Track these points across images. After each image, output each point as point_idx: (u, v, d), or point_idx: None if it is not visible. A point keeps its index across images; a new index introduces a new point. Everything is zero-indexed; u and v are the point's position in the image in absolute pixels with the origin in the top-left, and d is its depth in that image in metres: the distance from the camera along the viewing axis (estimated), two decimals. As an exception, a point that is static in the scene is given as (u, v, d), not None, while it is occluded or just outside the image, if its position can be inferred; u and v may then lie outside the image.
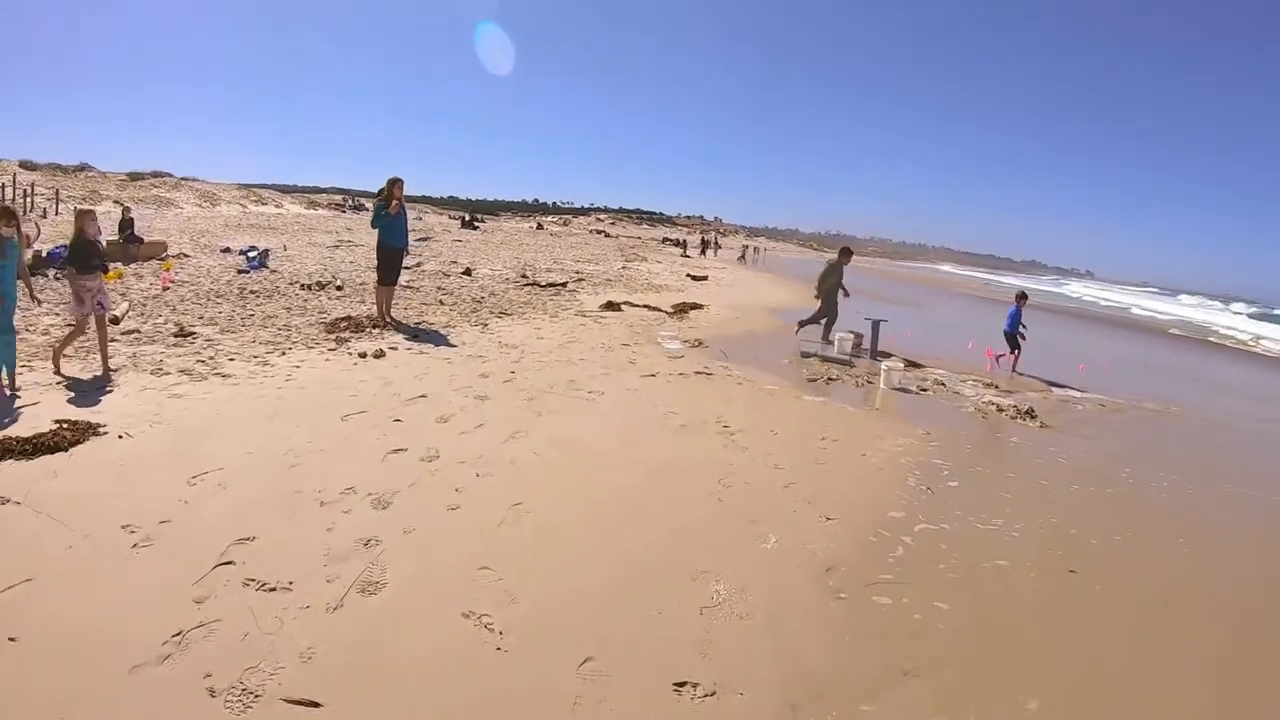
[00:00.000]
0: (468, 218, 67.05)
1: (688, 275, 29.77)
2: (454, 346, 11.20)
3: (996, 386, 12.41)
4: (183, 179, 62.25)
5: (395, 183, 12.79)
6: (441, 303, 15.59)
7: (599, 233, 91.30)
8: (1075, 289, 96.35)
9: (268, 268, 18.57)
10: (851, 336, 14.31)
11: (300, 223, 40.89)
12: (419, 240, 34.34)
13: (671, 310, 17.95)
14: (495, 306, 15.85)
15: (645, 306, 18.09)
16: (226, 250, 22.22)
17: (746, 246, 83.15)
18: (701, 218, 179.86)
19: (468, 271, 21.86)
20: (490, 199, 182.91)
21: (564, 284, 21.35)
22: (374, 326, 11.98)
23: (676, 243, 68.86)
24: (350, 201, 79.78)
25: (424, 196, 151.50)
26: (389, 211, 12.63)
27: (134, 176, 57.75)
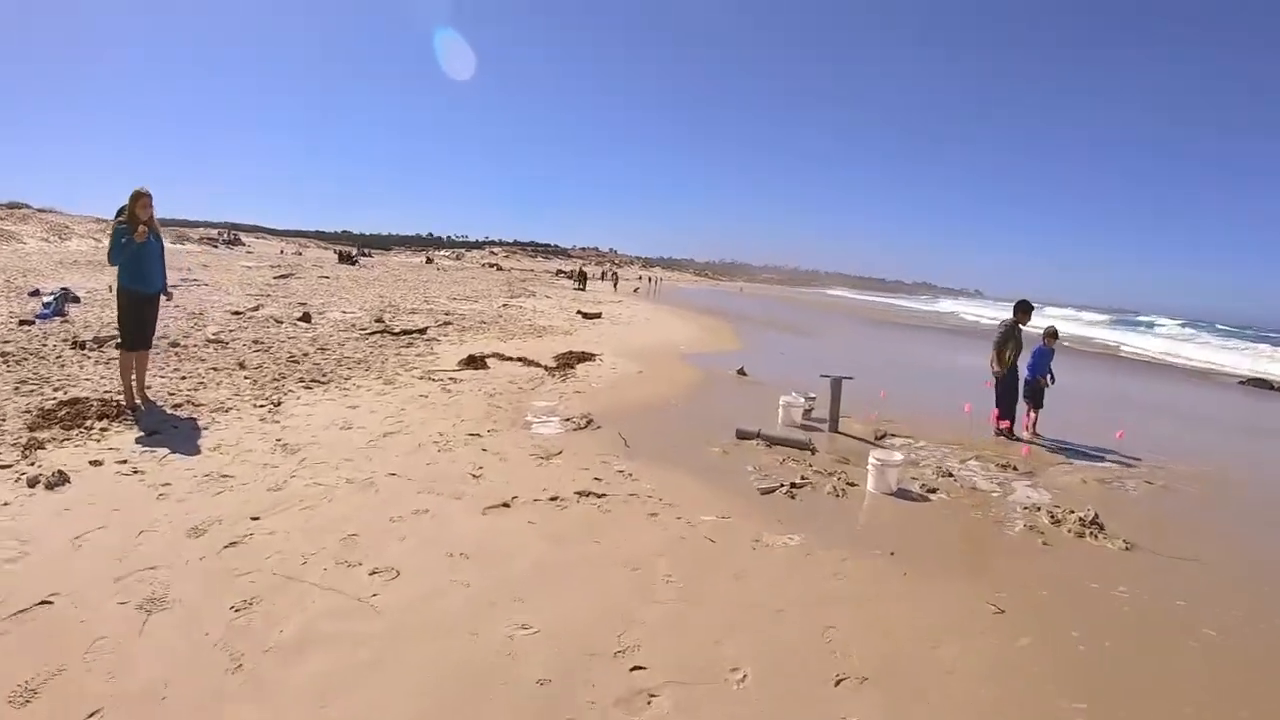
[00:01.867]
0: (349, 252, 61.12)
1: (578, 313, 25.48)
2: (198, 455, 6.73)
3: (1014, 468, 8.79)
4: (38, 210, 55.07)
5: (138, 197, 8.29)
6: (242, 366, 11.14)
7: (492, 266, 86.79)
8: (969, 308, 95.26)
9: (63, 315, 14.60)
10: (802, 402, 10.30)
11: None
12: (278, 278, 29.25)
13: (554, 364, 13.78)
14: (314, 369, 11.47)
15: (520, 360, 13.83)
16: (36, 293, 17.93)
17: (642, 277, 79.91)
18: (596, 249, 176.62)
19: (306, 318, 17.06)
20: (385, 233, 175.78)
21: (423, 330, 16.83)
22: (108, 416, 7.62)
23: (570, 274, 64.36)
24: (224, 235, 73.06)
25: (317, 231, 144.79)
26: (132, 238, 8.10)
27: (-2, 205, 50.82)
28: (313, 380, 10.55)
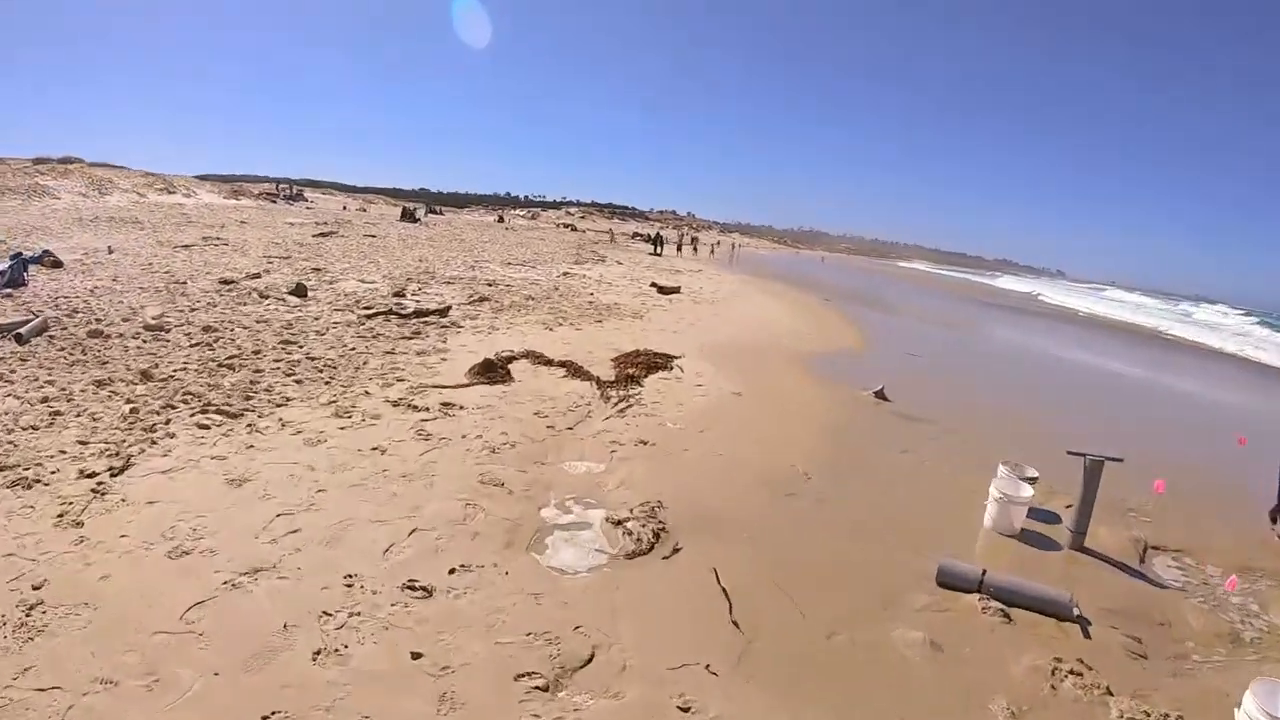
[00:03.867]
0: (412, 209, 57.43)
1: (652, 285, 21.03)
2: None
3: None
4: (90, 165, 52.59)
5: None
6: (146, 377, 7.47)
7: (567, 226, 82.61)
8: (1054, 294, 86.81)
9: (18, 285, 11.33)
10: (1026, 494, 5.93)
11: (192, 215, 31.67)
12: (317, 236, 25.50)
13: (611, 374, 9.54)
14: (244, 384, 7.61)
15: (564, 366, 9.62)
16: (16, 256, 14.02)
17: (720, 242, 74.90)
18: (674, 212, 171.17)
19: (300, 290, 12.95)
20: (463, 193, 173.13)
21: (444, 310, 12.55)
22: None
23: (649, 239, 59.69)
24: (285, 190, 69.93)
25: (394, 189, 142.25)
26: None
27: (38, 162, 48.16)
28: (223, 409, 6.55)
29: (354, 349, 9.39)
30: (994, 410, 10.93)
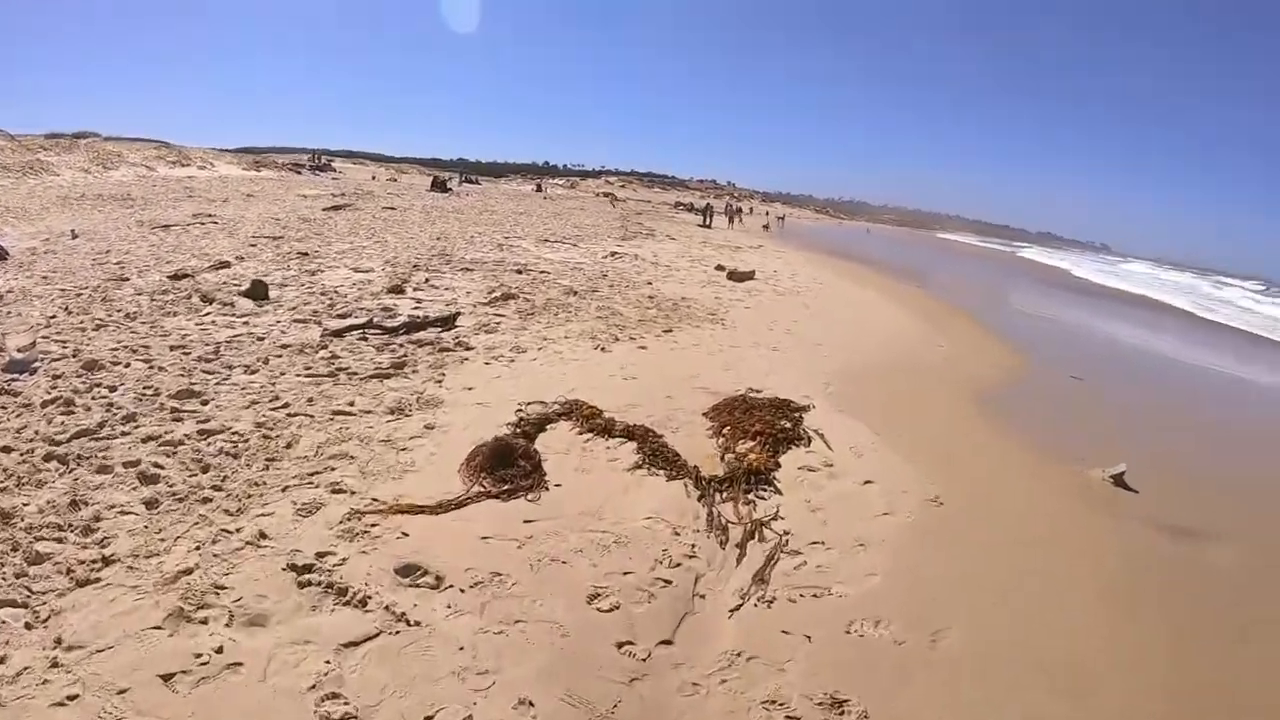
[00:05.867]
0: (443, 179, 53.51)
1: (718, 268, 16.94)
2: None
3: None
4: (105, 139, 48.84)
5: None
6: None
7: (606, 195, 78.52)
8: (1137, 267, 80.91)
9: None
10: None
11: (196, 189, 28.01)
12: (328, 209, 22.01)
13: (710, 444, 5.92)
14: (39, 529, 3.97)
15: (631, 435, 5.81)
16: None
17: (769, 214, 70.59)
18: (714, 181, 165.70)
19: (257, 291, 9.18)
20: (501, 161, 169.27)
21: (449, 320, 8.76)
22: None
23: (692, 208, 55.40)
24: (313, 161, 66.35)
25: (433, 159, 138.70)
26: None
27: (50, 137, 44.77)
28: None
29: (288, 405, 5.64)
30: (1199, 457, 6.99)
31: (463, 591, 3.61)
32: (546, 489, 4.76)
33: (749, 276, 15.89)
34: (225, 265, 10.87)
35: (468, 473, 4.81)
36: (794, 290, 15.36)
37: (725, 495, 4.96)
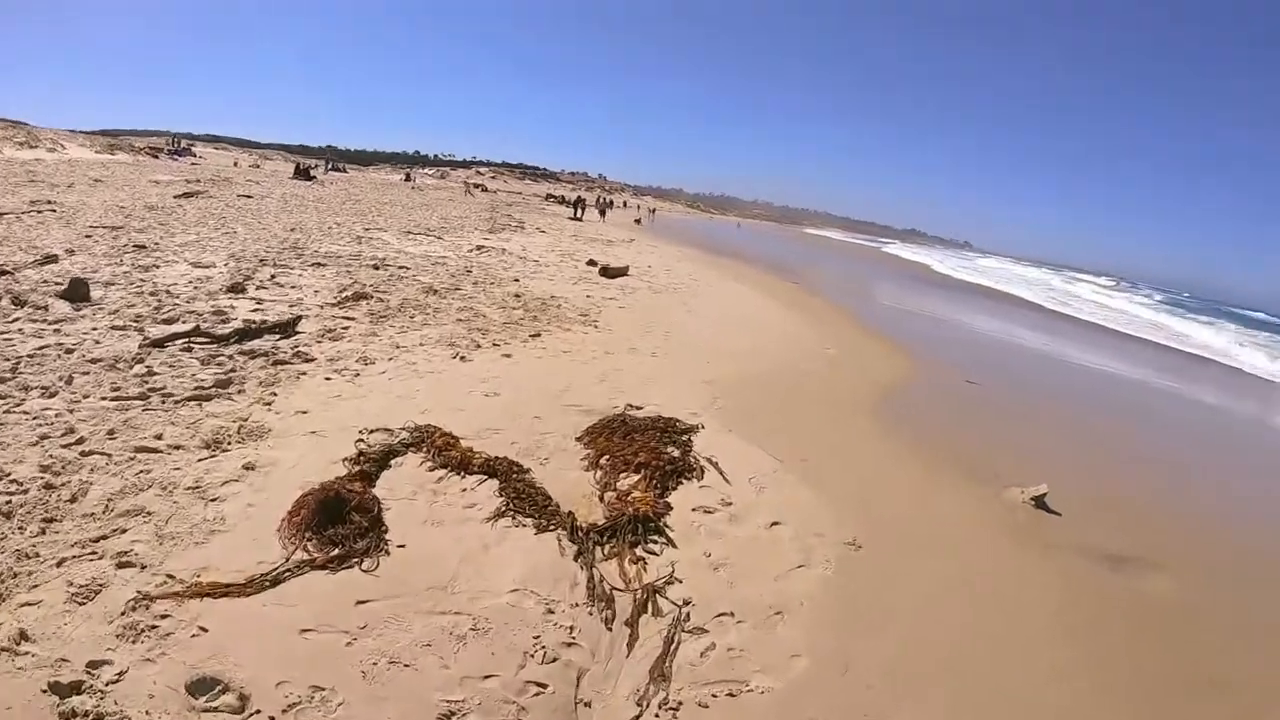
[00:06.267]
0: (307, 166, 50.31)
1: (590, 263, 15.98)
2: None
3: None
4: None
5: None
6: None
7: (477, 186, 76.38)
8: (992, 263, 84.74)
9: None
10: None
11: (41, 173, 24.43)
12: (179, 197, 19.81)
13: (588, 482, 4.96)
14: None
15: (490, 471, 4.81)
16: None
17: (641, 207, 70.32)
18: (586, 174, 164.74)
19: (75, 292, 7.66)
20: (371, 150, 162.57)
21: (288, 325, 7.52)
22: None
23: (563, 201, 54.22)
24: (171, 145, 61.69)
25: (301, 146, 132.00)
26: None
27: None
28: None
29: (83, 441, 4.37)
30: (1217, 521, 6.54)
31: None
32: (387, 552, 3.71)
33: (623, 272, 14.98)
34: (52, 260, 9.17)
35: (290, 531, 3.71)
36: (671, 287, 14.55)
37: (608, 551, 4.01)
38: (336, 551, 3.60)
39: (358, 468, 4.49)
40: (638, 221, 48.06)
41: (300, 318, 7.85)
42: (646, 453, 5.04)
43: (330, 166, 64.36)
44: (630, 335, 9.36)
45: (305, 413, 5.34)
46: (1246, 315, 62.73)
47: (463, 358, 7.34)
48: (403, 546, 3.78)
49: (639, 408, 6.20)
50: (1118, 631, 4.06)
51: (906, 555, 4.45)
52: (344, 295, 9.40)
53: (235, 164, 53.54)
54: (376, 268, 11.75)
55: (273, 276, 9.95)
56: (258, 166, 55.27)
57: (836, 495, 5.08)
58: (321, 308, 8.63)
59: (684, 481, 4.88)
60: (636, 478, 4.79)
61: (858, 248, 74.96)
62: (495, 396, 6.20)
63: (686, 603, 3.62)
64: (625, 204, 70.32)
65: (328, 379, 6.19)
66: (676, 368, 8.01)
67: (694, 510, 4.55)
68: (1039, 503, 5.43)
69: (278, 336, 7.19)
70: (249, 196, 22.63)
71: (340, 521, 3.81)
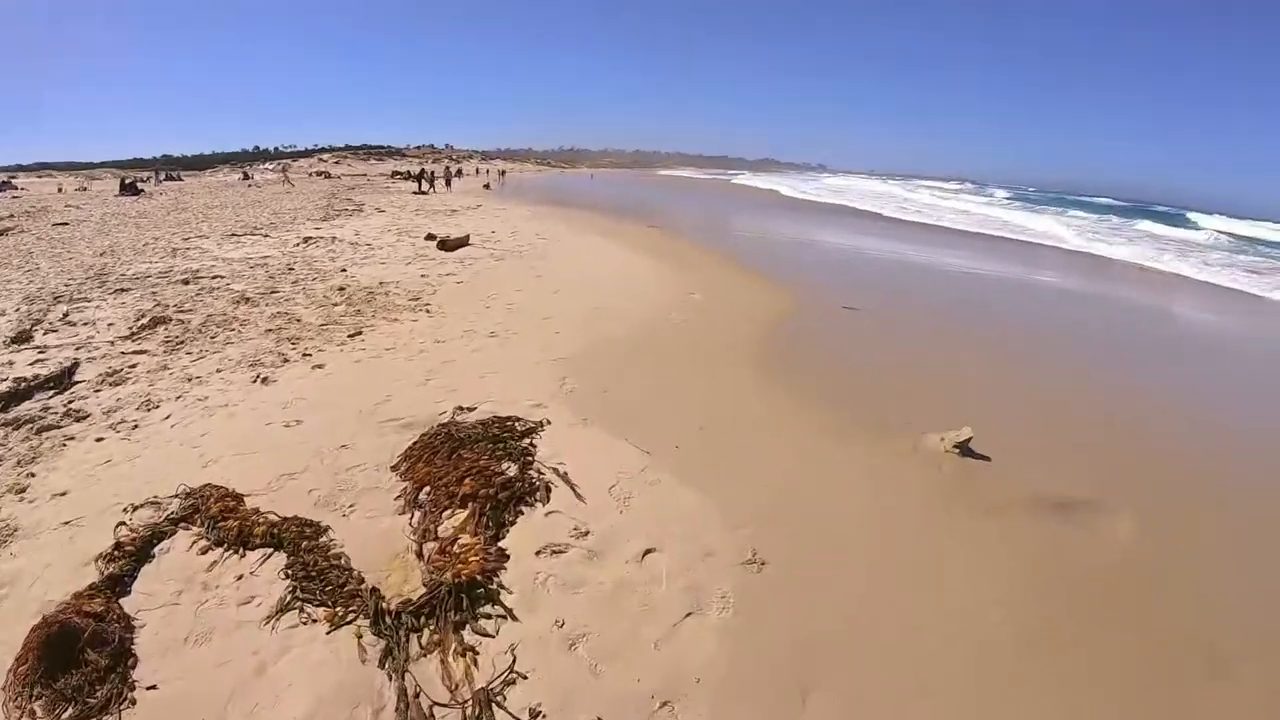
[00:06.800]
0: (133, 180, 45.92)
1: (429, 237, 14.42)
2: None
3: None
4: None
5: None
6: None
7: (321, 174, 72.14)
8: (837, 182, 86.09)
9: None
10: None
11: None
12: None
13: (407, 535, 3.67)
14: None
15: (268, 541, 3.63)
16: None
17: (490, 172, 67.87)
18: (432, 146, 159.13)
19: None
20: (209, 154, 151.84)
21: (62, 378, 6.11)
22: None
23: (409, 176, 51.49)
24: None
25: (134, 160, 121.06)
26: None
27: None
28: None
29: None
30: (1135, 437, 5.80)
31: None
32: (133, 701, 2.53)
33: (463, 243, 13.54)
34: None
35: (14, 688, 2.54)
36: (516, 251, 13.21)
37: (427, 640, 2.87)
38: (68, 714, 2.45)
39: (109, 570, 3.23)
40: (486, 186, 45.99)
41: (76, 364, 6.29)
42: (475, 478, 3.87)
43: (163, 177, 60.48)
44: (467, 315, 8.10)
45: (64, 494, 4.05)
46: (1090, 202, 67.82)
47: (265, 379, 5.97)
48: (154, 688, 2.63)
49: (471, 409, 5.02)
50: (1085, 597, 3.23)
51: (823, 558, 3.47)
52: (141, 323, 7.81)
53: (60, 190, 48.68)
54: (186, 282, 10.05)
55: (65, 315, 8.21)
56: (84, 189, 50.36)
57: (723, 489, 4.05)
58: (112, 343, 7.07)
59: (525, 509, 3.75)
60: (464, 515, 3.63)
61: (708, 182, 73.76)
62: (297, 426, 4.91)
63: (536, 715, 2.52)
64: (476, 171, 67.48)
65: (99, 440, 4.81)
66: (519, 347, 6.83)
67: (540, 553, 3.44)
68: (964, 449, 4.56)
69: (51, 392, 5.71)
70: (65, 224, 19.84)
71: (72, 666, 2.64)
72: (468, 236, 14.14)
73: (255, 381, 5.98)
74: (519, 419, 4.76)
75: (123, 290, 9.60)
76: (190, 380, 6.02)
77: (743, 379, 6.19)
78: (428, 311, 8.22)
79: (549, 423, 4.81)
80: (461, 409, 5.01)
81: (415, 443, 4.43)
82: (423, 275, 10.47)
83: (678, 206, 32.52)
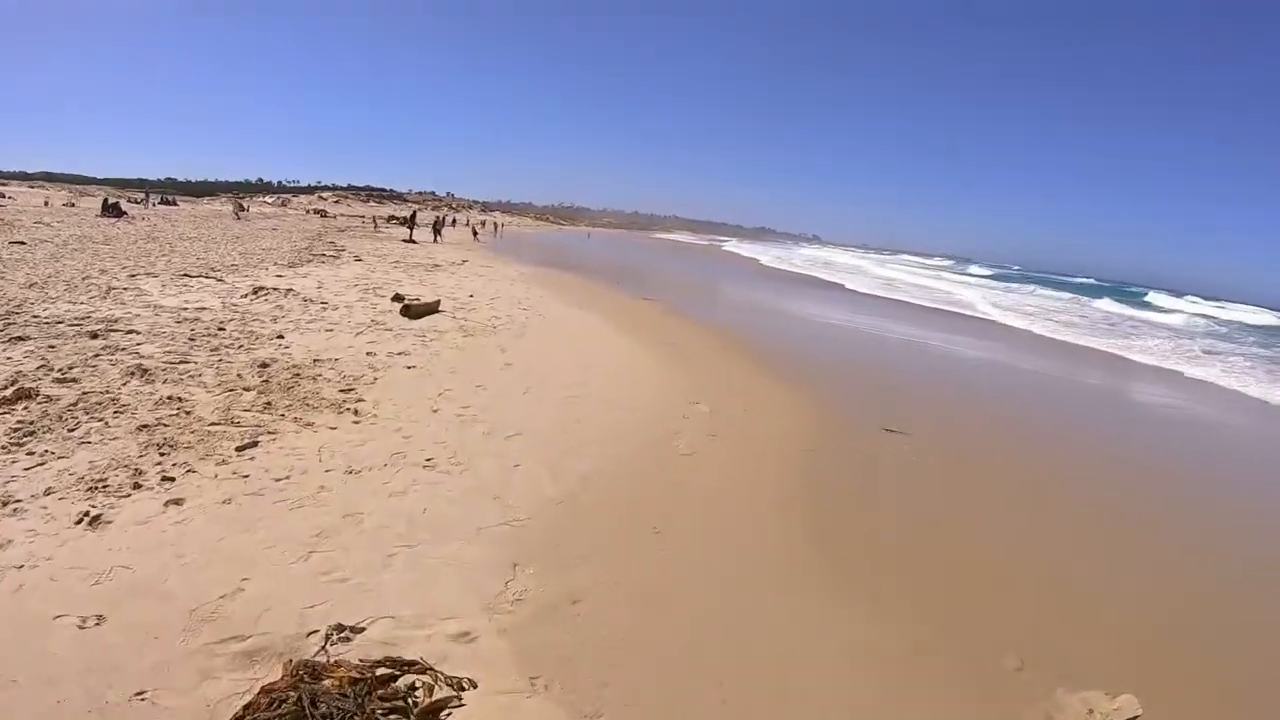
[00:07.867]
0: (116, 202, 44.26)
1: (395, 298, 12.53)
2: None
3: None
4: None
5: None
6: None
7: (318, 212, 71.31)
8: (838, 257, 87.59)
9: None
10: None
11: None
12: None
13: None
14: None
15: None
16: None
17: (485, 223, 67.01)
18: (433, 193, 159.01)
19: None
20: (213, 180, 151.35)
21: None
22: None
23: (402, 221, 50.49)
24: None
25: (139, 179, 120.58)
26: None
27: None
28: None
29: None
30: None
31: None
32: None
33: (431, 309, 11.75)
34: None
35: None
36: (490, 325, 11.36)
37: None
38: None
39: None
40: (475, 235, 44.67)
41: None
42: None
43: (160, 199, 60.44)
44: (404, 422, 6.23)
45: None
46: (1061, 280, 72.63)
47: (94, 519, 4.12)
48: None
49: (356, 631, 3.15)
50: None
51: None
52: (1, 394, 5.93)
53: (46, 204, 47.09)
54: (95, 336, 8.21)
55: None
56: (71, 205, 48.69)
57: None
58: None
59: None
60: None
61: (701, 247, 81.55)
62: (94, 628, 3.08)
63: None
64: (469, 221, 66.43)
65: None
66: (460, 493, 4.93)
67: None
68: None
69: None
70: (22, 243, 17.89)
71: None
72: (438, 302, 12.37)
73: (80, 523, 4.13)
74: (421, 673, 2.85)
75: (18, 340, 7.76)
76: (3, 506, 4.18)
77: (792, 583, 4.21)
78: (355, 413, 6.33)
79: (471, 687, 2.87)
80: (340, 631, 3.14)
81: (241, 712, 2.57)
82: (369, 354, 8.60)
83: (671, 271, 31.94)
